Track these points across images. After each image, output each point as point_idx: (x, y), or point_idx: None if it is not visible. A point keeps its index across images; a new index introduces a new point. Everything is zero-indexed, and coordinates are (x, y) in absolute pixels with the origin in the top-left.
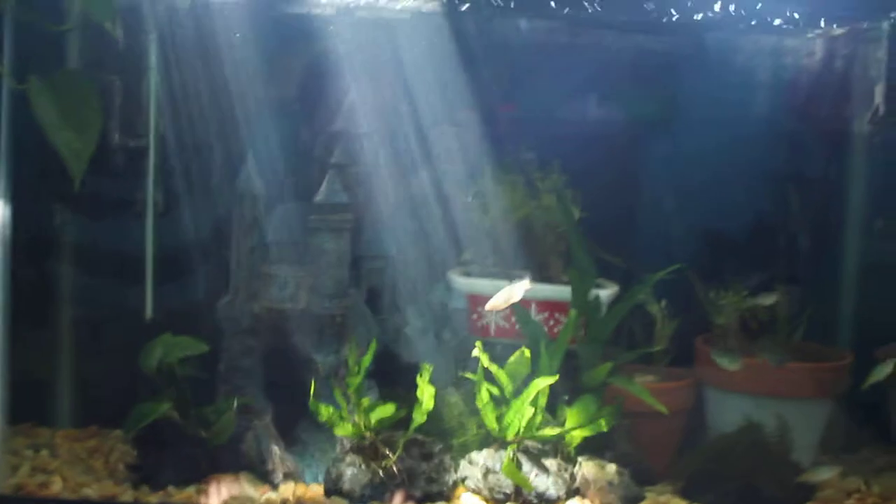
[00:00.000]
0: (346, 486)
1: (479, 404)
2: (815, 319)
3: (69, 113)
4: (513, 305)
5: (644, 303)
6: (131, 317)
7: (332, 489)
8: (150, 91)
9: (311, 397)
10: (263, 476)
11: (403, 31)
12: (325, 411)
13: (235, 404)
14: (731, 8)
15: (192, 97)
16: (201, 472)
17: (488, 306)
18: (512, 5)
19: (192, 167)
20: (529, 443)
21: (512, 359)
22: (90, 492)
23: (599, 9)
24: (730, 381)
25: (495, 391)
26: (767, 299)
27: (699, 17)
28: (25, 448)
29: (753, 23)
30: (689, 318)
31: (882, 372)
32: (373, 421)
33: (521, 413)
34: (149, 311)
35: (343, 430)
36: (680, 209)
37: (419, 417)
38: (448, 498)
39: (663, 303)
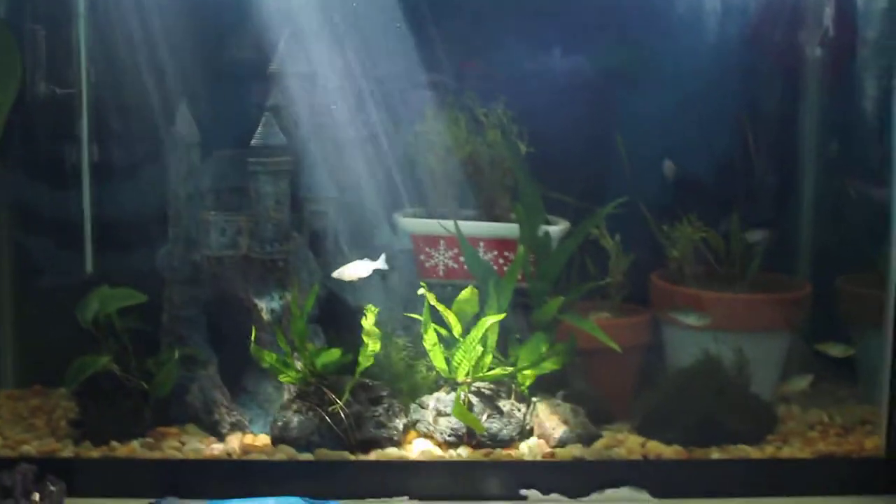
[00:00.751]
0: (293, 433)
1: (427, 346)
2: (773, 250)
3: None
4: (461, 244)
5: (597, 237)
6: (72, 273)
7: (279, 437)
8: (78, 39)
9: (253, 344)
10: (209, 427)
11: None
12: (269, 357)
13: (177, 355)
14: None
15: (122, 44)
16: (145, 426)
17: (335, 274)
18: None
19: (124, 116)
20: (480, 384)
21: (459, 298)
22: (30, 449)
23: None
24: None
25: (444, 332)
26: (753, 236)
27: None
28: None
29: None
30: (645, 255)
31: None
32: (318, 366)
33: (471, 353)
34: (89, 266)
35: (288, 377)
36: (633, 146)
37: (365, 361)
38: (398, 443)
39: (617, 237)
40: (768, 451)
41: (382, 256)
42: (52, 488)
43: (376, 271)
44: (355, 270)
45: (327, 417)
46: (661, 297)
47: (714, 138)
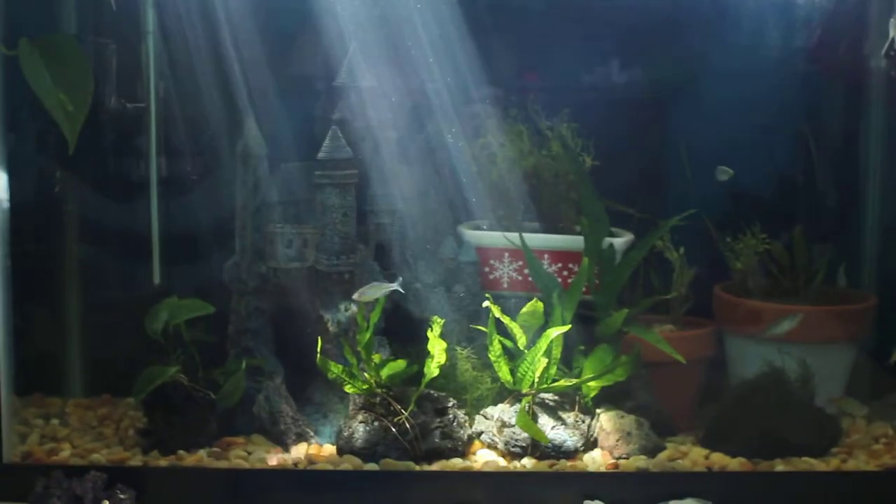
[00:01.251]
0: (359, 444)
1: (492, 357)
2: (837, 263)
3: (61, 76)
4: (526, 257)
5: (661, 250)
6: (140, 284)
7: (345, 448)
8: (148, 55)
9: (319, 355)
10: (275, 438)
11: None
12: (335, 369)
13: (244, 366)
14: None
15: (190, 60)
16: (211, 436)
17: (355, 296)
18: None
19: (192, 130)
20: (545, 395)
21: (524, 310)
22: (99, 457)
23: None
24: (750, 327)
25: (508, 344)
26: (823, 252)
27: None
28: (35, 417)
29: None
30: (708, 267)
31: None
32: (384, 377)
33: (535, 364)
34: (156, 277)
35: (353, 388)
36: (695, 159)
37: (430, 371)
38: (463, 453)
39: (681, 250)
40: (833, 463)
41: (399, 279)
42: (122, 496)
43: (440, 283)
44: (373, 293)
45: (393, 428)
46: (725, 310)
47: (777, 151)
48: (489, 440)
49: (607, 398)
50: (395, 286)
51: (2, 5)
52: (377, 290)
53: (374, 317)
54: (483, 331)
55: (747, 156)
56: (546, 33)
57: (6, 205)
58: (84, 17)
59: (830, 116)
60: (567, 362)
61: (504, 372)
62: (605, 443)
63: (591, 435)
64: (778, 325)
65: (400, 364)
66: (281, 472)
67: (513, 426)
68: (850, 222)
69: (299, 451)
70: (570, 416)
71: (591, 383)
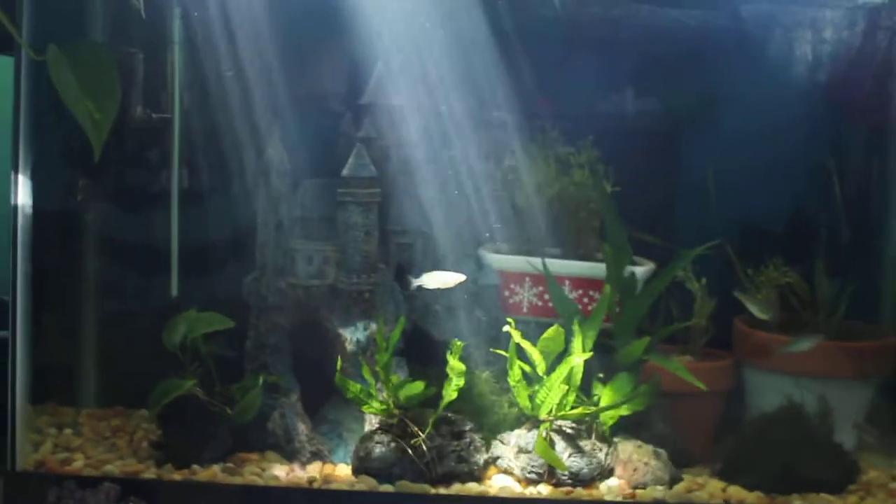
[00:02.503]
0: (375, 464)
1: (511, 382)
2: (858, 299)
3: (88, 83)
4: (547, 282)
5: (683, 280)
6: (157, 296)
7: (360, 468)
8: (174, 65)
9: (338, 374)
10: (290, 455)
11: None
12: (353, 388)
13: (261, 382)
14: None
15: (216, 72)
16: (226, 451)
17: (419, 281)
18: None
19: (216, 142)
20: (563, 422)
21: (545, 336)
22: (112, 469)
23: None
24: (770, 361)
25: (528, 369)
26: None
27: None
28: (49, 426)
29: None
30: (727, 299)
31: None
32: (401, 398)
33: (555, 391)
34: (174, 290)
35: (371, 408)
36: (719, 193)
37: (449, 394)
38: (479, 478)
39: (703, 280)
40: (851, 500)
41: (463, 275)
42: None
43: (459, 305)
44: (441, 279)
45: (409, 450)
46: (745, 342)
47: (798, 183)
48: (506, 465)
49: (625, 427)
50: (460, 277)
51: (30, 12)
52: (441, 279)
53: (394, 337)
54: (502, 355)
55: (768, 187)
56: (569, 61)
57: (28, 211)
58: (112, 26)
59: (852, 150)
60: (586, 390)
61: (523, 397)
62: (623, 472)
63: (608, 464)
64: (795, 345)
65: (418, 386)
66: (295, 491)
67: (530, 452)
68: (871, 256)
69: (314, 470)
70: (587, 444)
71: (610, 412)
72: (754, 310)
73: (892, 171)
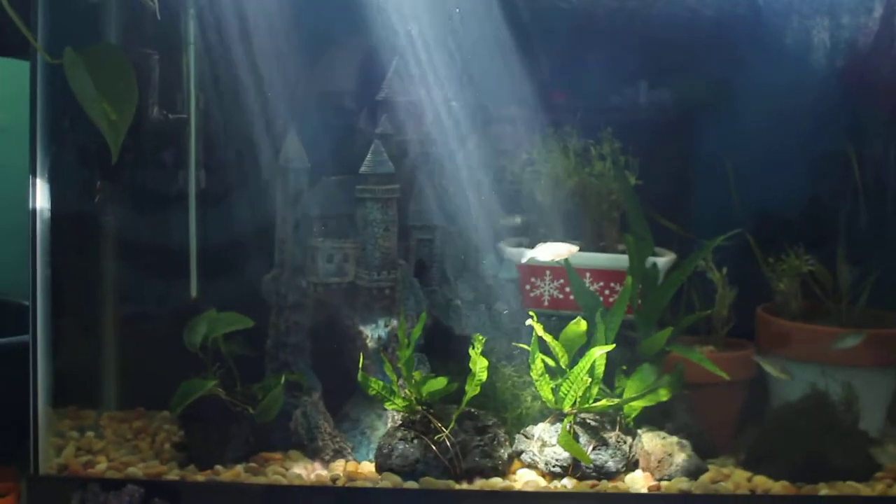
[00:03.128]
0: (398, 461)
1: (534, 375)
2: (880, 286)
3: (105, 85)
4: (568, 275)
5: (704, 270)
6: (177, 296)
7: (384, 465)
8: (189, 65)
9: (360, 371)
10: (313, 454)
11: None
12: (375, 385)
13: (283, 381)
14: None
15: (232, 72)
16: (249, 451)
17: (530, 253)
18: None
19: (233, 142)
20: (586, 415)
21: (567, 328)
22: (136, 471)
23: None
24: (793, 350)
25: (550, 363)
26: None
27: None
28: (71, 430)
29: None
30: (747, 290)
31: None
32: (424, 394)
33: (578, 384)
34: (194, 291)
35: (393, 405)
36: (738, 182)
37: (472, 390)
38: (503, 473)
39: (724, 270)
40: (878, 488)
41: (576, 246)
42: None
43: (480, 300)
44: (554, 251)
45: (433, 446)
46: (768, 331)
47: (818, 172)
48: (529, 460)
49: (648, 419)
50: (574, 248)
51: (45, 15)
52: (554, 251)
53: (415, 333)
54: (524, 349)
55: (788, 176)
56: (586, 53)
57: (47, 214)
58: (127, 28)
59: (870, 136)
60: (609, 382)
61: (546, 391)
62: (647, 464)
63: (633, 456)
64: (842, 341)
65: (441, 381)
66: (319, 489)
67: (554, 446)
68: (892, 243)
69: (337, 468)
70: (611, 437)
71: (633, 403)
72: (771, 370)
73: None
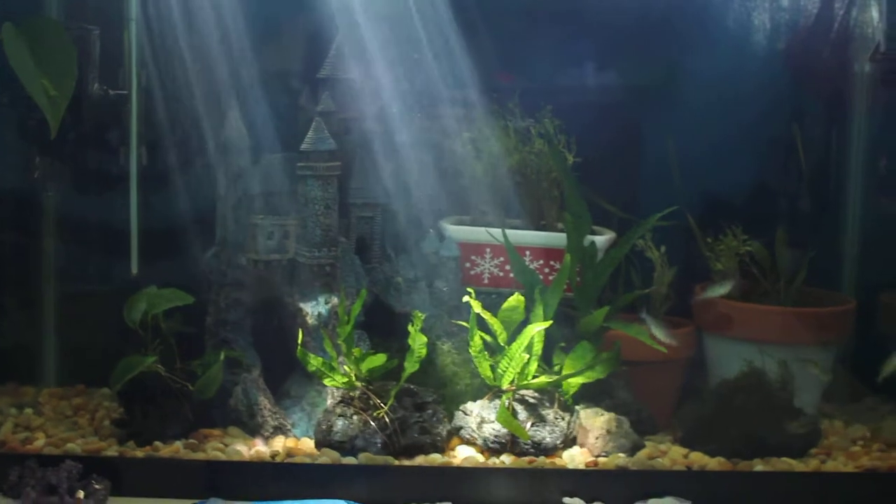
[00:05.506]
0: (337, 437)
1: (473, 352)
2: (818, 266)
3: (45, 60)
4: (508, 253)
5: (643, 249)
6: (117, 273)
7: (323, 441)
8: (130, 42)
9: (299, 347)
10: (252, 430)
11: None
12: (315, 362)
13: (223, 357)
14: None
15: (173, 48)
16: (188, 427)
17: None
18: None
19: (174, 119)
20: (525, 392)
21: (505, 305)
22: (74, 447)
23: None
24: (731, 328)
25: (489, 340)
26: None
27: None
28: (9, 407)
29: None
30: (687, 269)
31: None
32: (363, 371)
33: (516, 360)
34: (134, 268)
35: (333, 381)
36: (682, 164)
37: (411, 366)
38: (442, 449)
39: (663, 249)
40: (812, 464)
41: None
42: (97, 486)
43: (421, 277)
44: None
45: (372, 422)
46: (705, 310)
47: (759, 153)
48: (468, 436)
49: (587, 396)
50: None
51: None
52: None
53: (356, 310)
54: (464, 326)
55: (728, 157)
56: (530, 33)
57: None
58: (68, 3)
59: (813, 119)
60: (547, 359)
61: (484, 368)
62: (585, 440)
63: (571, 432)
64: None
65: (380, 358)
66: (258, 465)
67: (492, 422)
68: (832, 225)
69: (277, 444)
70: (549, 413)
71: (572, 380)
72: (658, 333)
73: (850, 140)
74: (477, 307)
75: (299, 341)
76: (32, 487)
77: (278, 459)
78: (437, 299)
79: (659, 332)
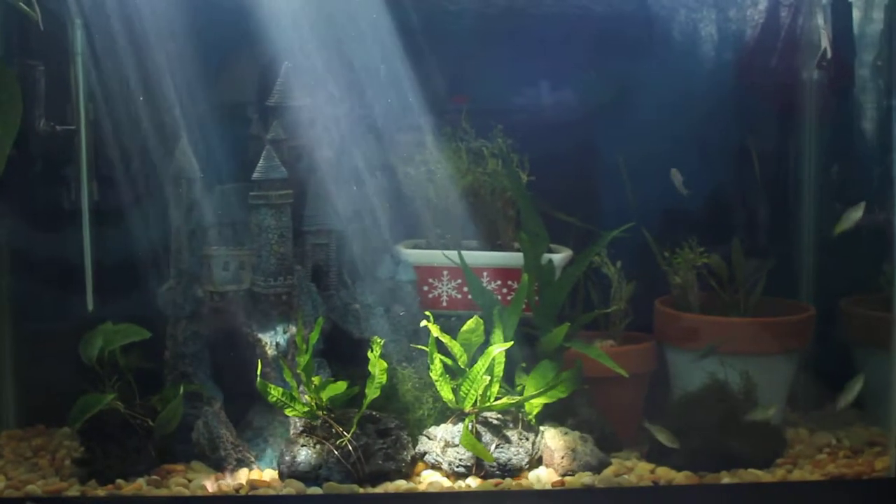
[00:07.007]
0: (301, 467)
1: (434, 376)
2: (776, 275)
3: None
4: (465, 275)
5: (599, 266)
6: (73, 311)
7: (287, 472)
8: (77, 76)
9: (259, 378)
10: (215, 464)
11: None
12: (275, 392)
13: (182, 392)
14: None
15: (120, 82)
16: (150, 464)
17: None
18: None
19: (124, 153)
20: (488, 413)
21: (464, 328)
22: (35, 489)
23: None
24: (690, 341)
25: (449, 363)
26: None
27: None
28: None
29: None
30: (647, 283)
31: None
32: (324, 399)
33: (478, 383)
34: (90, 304)
35: (294, 411)
36: (637, 178)
37: (372, 392)
38: (407, 475)
39: (619, 264)
40: (779, 474)
41: None
42: None
43: (378, 303)
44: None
45: (335, 451)
46: (666, 324)
47: (714, 164)
48: (433, 461)
49: (551, 415)
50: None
51: None
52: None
53: (313, 338)
54: (424, 350)
55: (685, 171)
56: (478, 54)
57: None
58: (10, 39)
59: (764, 129)
60: (509, 380)
61: (446, 391)
62: (551, 460)
63: (536, 452)
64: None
65: (340, 385)
66: (223, 499)
67: (457, 446)
68: (789, 234)
69: (240, 477)
70: (514, 434)
71: (535, 400)
72: (662, 438)
73: (802, 148)
74: (435, 331)
75: (258, 372)
76: None
77: (242, 493)
78: (395, 324)
79: (663, 437)
